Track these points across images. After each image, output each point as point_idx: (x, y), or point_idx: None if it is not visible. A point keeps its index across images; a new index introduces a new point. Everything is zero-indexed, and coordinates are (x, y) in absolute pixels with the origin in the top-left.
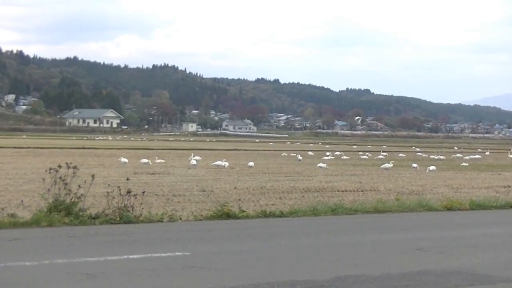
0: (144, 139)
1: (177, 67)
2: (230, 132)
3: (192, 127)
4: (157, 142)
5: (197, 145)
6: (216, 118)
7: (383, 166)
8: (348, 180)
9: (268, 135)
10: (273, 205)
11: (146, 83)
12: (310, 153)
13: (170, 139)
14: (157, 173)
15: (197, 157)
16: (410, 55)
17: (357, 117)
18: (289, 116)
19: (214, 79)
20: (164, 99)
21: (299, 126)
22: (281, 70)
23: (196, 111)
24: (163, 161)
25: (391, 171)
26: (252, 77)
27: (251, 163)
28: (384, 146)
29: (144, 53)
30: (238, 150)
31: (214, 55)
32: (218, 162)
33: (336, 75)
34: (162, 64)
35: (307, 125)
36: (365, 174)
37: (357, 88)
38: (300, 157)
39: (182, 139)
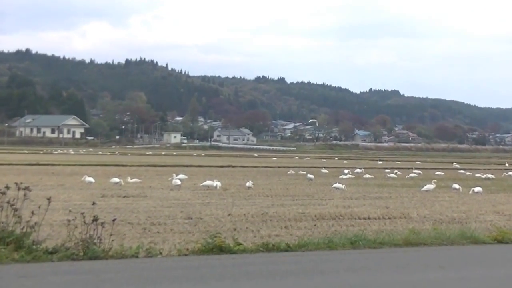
0: (116, 153)
1: (157, 62)
2: (223, 145)
3: (176, 138)
4: (131, 157)
5: (182, 161)
6: (206, 126)
7: (425, 188)
8: (371, 205)
9: (271, 148)
10: (277, 236)
11: (118, 83)
12: (324, 170)
13: (147, 153)
14: (131, 195)
15: (181, 176)
16: (452, 48)
17: (383, 127)
18: (297, 124)
19: (203, 78)
20: (140, 103)
21: (310, 137)
22: (288, 66)
23: (180, 118)
24: (138, 180)
25: (426, 193)
26: (251, 75)
27: (250, 183)
28: (417, 162)
29: (116, 45)
30: (233, 167)
31: (204, 47)
32: (208, 182)
33: (356, 72)
34: (138, 59)
35: (320, 135)
36: (393, 197)
37: (383, 89)
38: (311, 176)
39: (163, 153)
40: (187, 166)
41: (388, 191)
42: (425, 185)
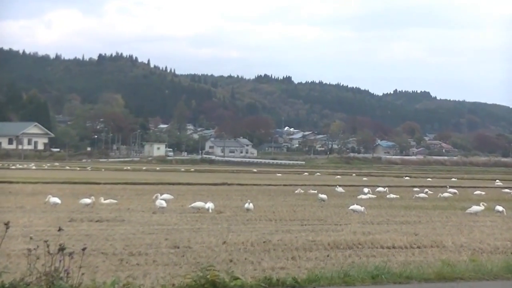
0: (87, 168)
1: (137, 58)
2: (217, 158)
3: (159, 149)
4: (105, 173)
5: (167, 178)
6: (196, 136)
7: (471, 210)
8: (397, 231)
9: (275, 162)
10: (282, 269)
11: (90, 83)
12: (339, 189)
13: (125, 168)
14: (105, 220)
15: (166, 196)
16: (495, 41)
17: (410, 136)
18: (306, 133)
19: (193, 77)
20: (116, 107)
21: (322, 148)
22: (295, 63)
23: (165, 126)
24: (114, 201)
25: (463, 218)
26: (250, 74)
27: (249, 205)
28: (452, 179)
29: (87, 37)
30: (229, 185)
31: (194, 40)
32: (199, 204)
33: (378, 70)
34: (114, 54)
35: (335, 146)
36: (423, 221)
37: (410, 90)
38: (323, 196)
39: (144, 168)
40: (173, 184)
41: (417, 214)
42: (471, 206)
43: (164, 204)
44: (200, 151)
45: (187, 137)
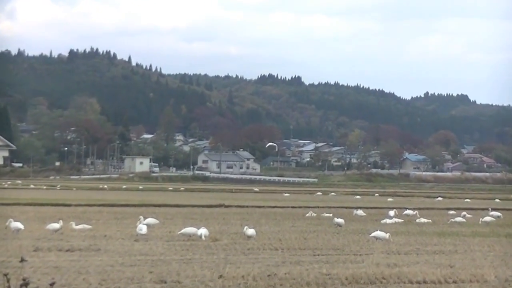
0: (56, 186)
1: (115, 54)
2: (212, 175)
3: (143, 164)
4: (77, 193)
5: (152, 198)
6: (187, 148)
7: None
8: (428, 263)
9: (282, 179)
10: None
11: (59, 85)
12: (359, 212)
13: (102, 186)
14: (77, 249)
15: (150, 220)
16: None
17: (445, 148)
18: (320, 144)
19: (183, 77)
20: (91, 114)
21: (339, 163)
22: (306, 60)
23: (149, 136)
24: (88, 227)
25: (509, 246)
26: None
27: (251, 231)
28: (496, 200)
29: (56, 30)
30: (226, 206)
31: (185, 32)
32: (190, 230)
33: (406, 70)
34: (89, 50)
35: (353, 160)
36: (460, 250)
37: (444, 93)
38: (340, 220)
39: (124, 186)
40: (159, 205)
41: (452, 243)
42: None
43: (144, 230)
44: (191, 167)
45: (176, 150)
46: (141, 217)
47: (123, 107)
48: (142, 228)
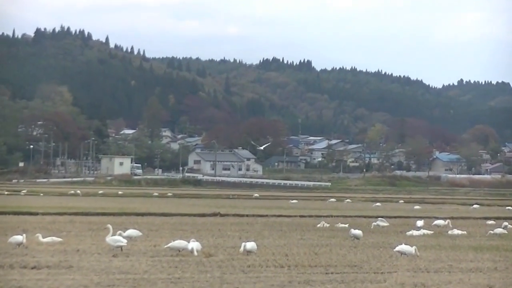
0: (20, 192)
1: (90, 34)
2: (206, 178)
3: (123, 165)
4: (45, 199)
5: (133, 206)
6: (175, 145)
7: None
8: (463, 282)
9: (288, 183)
10: None
11: (23, 71)
12: (380, 222)
13: (74, 191)
14: (44, 266)
15: (131, 232)
16: None
17: (483, 146)
18: (333, 141)
19: (171, 62)
20: (61, 105)
21: (356, 164)
22: (317, 42)
23: (131, 132)
24: (57, 240)
25: None
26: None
27: (251, 245)
28: None
29: (20, 5)
30: (222, 215)
31: (174, 8)
32: (179, 243)
33: (437, 54)
34: (58, 29)
35: (374, 160)
36: (500, 268)
37: (482, 81)
38: (357, 232)
39: (101, 191)
40: (142, 214)
41: (491, 258)
42: None
43: (122, 242)
44: (181, 168)
45: (162, 148)
46: (120, 231)
47: (100, 97)
48: (120, 241)
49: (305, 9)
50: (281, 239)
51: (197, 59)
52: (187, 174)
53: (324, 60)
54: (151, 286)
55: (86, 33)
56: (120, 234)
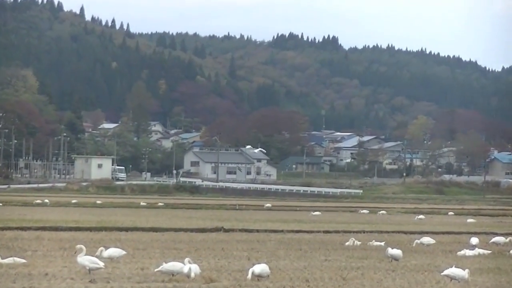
0: None
1: (60, 4)
2: (206, 183)
3: (102, 167)
4: (5, 210)
5: (115, 218)
6: (168, 143)
7: None
8: None
9: (309, 190)
10: None
11: None
12: (424, 239)
13: (40, 201)
14: None
15: (113, 251)
16: None
17: None
18: (366, 138)
19: (162, 38)
20: (24, 93)
21: (394, 166)
22: (344, 15)
23: (112, 126)
24: (20, 261)
25: None
26: (265, 33)
27: (261, 268)
28: None
29: None
30: (226, 231)
31: None
32: (173, 265)
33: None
34: None
35: (416, 162)
36: None
37: None
38: (395, 252)
39: (75, 200)
40: (126, 229)
41: None
42: None
43: (98, 264)
44: (174, 171)
45: (151, 146)
46: (102, 248)
47: (73, 83)
48: (95, 262)
49: None
50: (301, 261)
51: (195, 35)
52: (182, 179)
53: (353, 36)
54: None
55: (55, 3)
56: (101, 252)
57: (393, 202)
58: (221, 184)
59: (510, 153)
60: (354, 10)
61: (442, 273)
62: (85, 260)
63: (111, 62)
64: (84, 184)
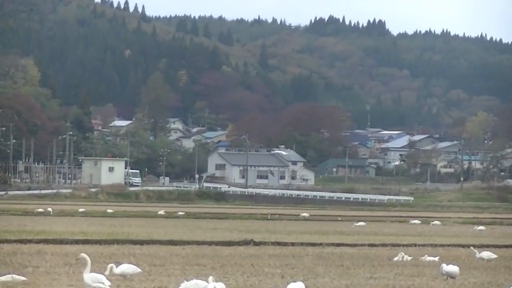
0: None
1: None
2: (233, 189)
3: (114, 171)
4: (2, 220)
5: (128, 230)
6: (189, 142)
7: None
8: None
9: (352, 197)
10: None
11: None
12: (484, 254)
13: (42, 209)
14: None
15: (126, 268)
16: None
17: None
18: (417, 137)
19: (183, 22)
20: (25, 85)
21: (450, 170)
22: None
23: (125, 123)
24: (20, 279)
25: None
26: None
27: (296, 287)
28: None
29: None
30: (256, 244)
31: None
32: (195, 284)
33: None
34: None
35: (476, 165)
36: None
37: None
38: (451, 269)
39: (82, 209)
40: (141, 242)
41: None
42: None
43: (103, 284)
44: (197, 176)
45: (170, 147)
46: (112, 265)
47: (79, 74)
48: (100, 280)
49: None
50: (342, 279)
51: (220, 18)
52: (205, 185)
53: (403, 20)
54: None
55: None
56: (111, 270)
57: (449, 211)
58: (250, 190)
59: None
60: None
61: None
62: (88, 278)
63: (124, 50)
64: (93, 190)
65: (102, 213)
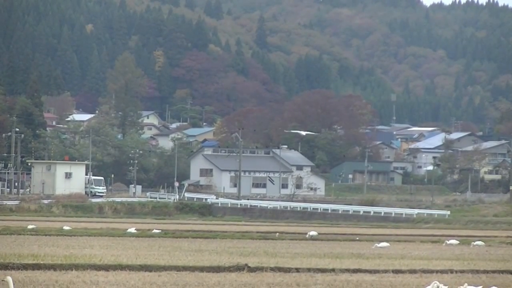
0: None
1: None
2: (222, 200)
3: (72, 177)
4: None
5: (91, 252)
6: (166, 141)
7: None
8: None
9: (373, 211)
10: None
11: None
12: None
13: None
14: None
15: None
16: None
17: None
18: (455, 135)
19: None
20: None
21: (496, 176)
22: None
23: (86, 116)
24: None
25: None
26: None
27: None
28: None
29: None
30: (251, 270)
31: None
32: None
33: None
34: None
35: None
36: None
37: None
38: None
39: (32, 226)
40: (106, 268)
41: None
42: None
43: None
44: (176, 184)
45: (142, 147)
46: None
47: (28, 55)
48: None
49: None
50: None
51: None
52: (187, 195)
53: None
54: None
55: None
56: None
57: (495, 228)
58: (244, 202)
59: None
60: None
61: None
62: None
63: (85, 24)
64: (46, 202)
65: (57, 230)
